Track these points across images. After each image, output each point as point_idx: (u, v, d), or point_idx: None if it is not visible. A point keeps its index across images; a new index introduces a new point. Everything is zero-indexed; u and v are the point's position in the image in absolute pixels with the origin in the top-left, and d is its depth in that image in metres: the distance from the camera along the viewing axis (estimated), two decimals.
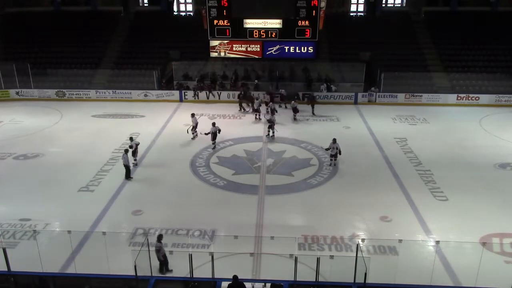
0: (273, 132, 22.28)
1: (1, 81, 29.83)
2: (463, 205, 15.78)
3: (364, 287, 10.11)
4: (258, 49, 26.34)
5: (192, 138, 21.93)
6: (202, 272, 11.32)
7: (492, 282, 10.72)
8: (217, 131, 20.81)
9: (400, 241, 12.41)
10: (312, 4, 24.65)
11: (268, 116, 22.91)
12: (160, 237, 11.99)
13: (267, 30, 25.48)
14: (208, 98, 28.58)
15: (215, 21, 25.40)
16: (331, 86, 29.61)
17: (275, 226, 14.33)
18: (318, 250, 13.00)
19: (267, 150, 21.01)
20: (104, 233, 12.09)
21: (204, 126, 22.46)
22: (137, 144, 18.90)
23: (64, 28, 33.55)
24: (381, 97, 28.89)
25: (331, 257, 11.26)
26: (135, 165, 18.79)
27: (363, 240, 13.28)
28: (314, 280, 10.73)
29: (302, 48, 26.16)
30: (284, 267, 11.19)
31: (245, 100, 27.59)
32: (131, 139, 19.06)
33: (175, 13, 38.11)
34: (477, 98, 28.47)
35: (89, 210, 15.35)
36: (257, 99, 26.43)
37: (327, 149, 19.25)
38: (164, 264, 11.88)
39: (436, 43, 32.58)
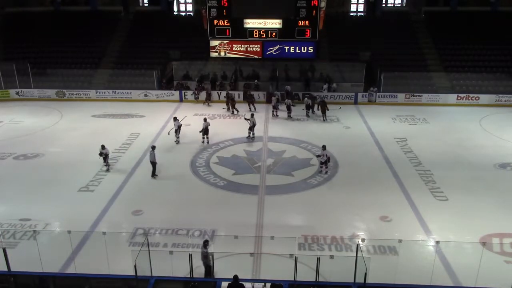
0: (253, 134, 22.27)
1: (1, 81, 29.84)
2: (463, 205, 15.79)
3: (364, 287, 10.10)
4: (258, 49, 26.31)
5: (175, 142, 21.64)
6: (202, 272, 11.32)
7: (492, 282, 10.71)
8: (208, 126, 21.45)
9: (400, 241, 12.42)
10: (312, 4, 24.60)
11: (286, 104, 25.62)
12: (206, 243, 11.63)
13: (267, 30, 25.45)
14: (208, 104, 28.52)
15: (215, 21, 25.37)
16: (331, 85, 29.61)
17: (275, 226, 14.33)
18: (318, 250, 13.01)
19: (267, 150, 21.01)
20: (104, 233, 12.11)
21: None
22: (107, 154, 18.32)
23: (64, 28, 33.54)
24: (381, 97, 28.89)
25: (331, 257, 11.28)
26: (107, 170, 18.35)
27: (363, 240, 13.28)
28: (314, 280, 10.72)
29: (302, 48, 26.11)
30: (284, 267, 11.18)
31: (246, 100, 27.70)
32: (102, 147, 18.27)
33: (175, 13, 38.14)
34: (477, 98, 28.47)
35: (89, 210, 15.35)
36: (274, 96, 26.85)
37: (318, 156, 18.82)
38: (210, 269, 11.58)
39: (436, 43, 32.57)
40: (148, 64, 31.28)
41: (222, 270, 11.17)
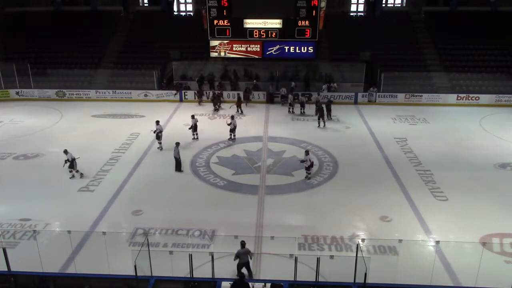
0: (234, 136, 22.13)
1: (1, 81, 29.85)
2: (463, 205, 15.78)
3: (364, 287, 10.10)
4: (258, 49, 26.33)
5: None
6: (202, 272, 11.32)
7: (492, 282, 10.73)
8: (196, 122, 21.96)
9: (400, 241, 12.43)
10: (312, 4, 24.62)
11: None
12: (243, 244, 11.50)
13: (267, 30, 25.47)
14: (199, 103, 28.61)
15: (215, 21, 25.38)
16: (331, 85, 29.59)
17: (275, 226, 14.33)
18: (318, 250, 13.00)
19: (267, 150, 21.01)
20: (104, 233, 12.10)
21: (204, 125, 23.14)
22: (73, 158, 17.80)
23: (64, 28, 33.56)
24: (381, 97, 28.89)
25: (331, 257, 11.27)
26: (73, 176, 17.84)
27: (363, 240, 13.28)
28: (314, 280, 10.72)
29: (302, 48, 26.15)
30: (284, 267, 11.16)
31: (245, 100, 27.75)
32: (65, 151, 17.73)
33: (175, 13, 38.13)
34: (477, 98, 28.47)
35: (89, 210, 15.35)
36: (287, 95, 27.49)
37: (302, 161, 17.88)
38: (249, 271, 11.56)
39: (436, 43, 32.59)
40: (148, 64, 31.29)
41: (222, 270, 11.16)
